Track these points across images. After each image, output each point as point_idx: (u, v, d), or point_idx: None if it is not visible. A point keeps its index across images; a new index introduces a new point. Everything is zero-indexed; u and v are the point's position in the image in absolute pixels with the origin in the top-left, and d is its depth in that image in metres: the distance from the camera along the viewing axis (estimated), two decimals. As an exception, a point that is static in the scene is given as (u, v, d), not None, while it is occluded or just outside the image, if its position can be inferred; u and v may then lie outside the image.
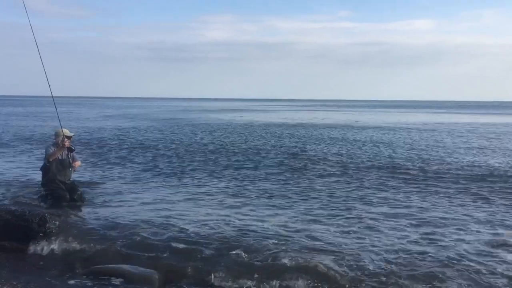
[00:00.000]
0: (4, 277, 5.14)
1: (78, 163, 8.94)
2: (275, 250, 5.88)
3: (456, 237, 6.69)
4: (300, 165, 13.47)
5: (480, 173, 12.07)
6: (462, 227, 7.15)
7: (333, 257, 5.74)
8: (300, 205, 8.56)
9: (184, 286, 5.14)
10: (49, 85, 8.80)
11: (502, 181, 11.10)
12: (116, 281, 5.12)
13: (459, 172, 12.31)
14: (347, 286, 5.05)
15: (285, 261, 5.48)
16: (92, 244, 6.21)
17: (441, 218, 7.68)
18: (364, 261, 5.65)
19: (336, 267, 5.42)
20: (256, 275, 5.19)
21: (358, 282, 5.10)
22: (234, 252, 5.84)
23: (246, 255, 5.72)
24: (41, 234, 6.49)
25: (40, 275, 5.31)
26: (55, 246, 6.18)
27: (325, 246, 6.18)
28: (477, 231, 6.98)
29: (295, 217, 7.68)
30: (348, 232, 6.84)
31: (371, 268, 5.46)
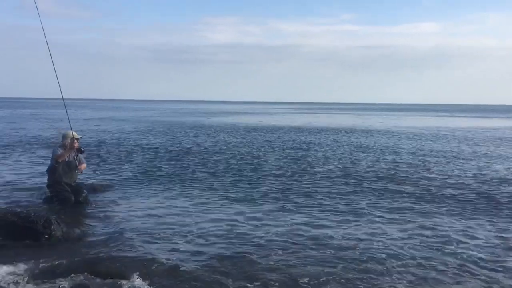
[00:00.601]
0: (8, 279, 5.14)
1: (84, 166, 8.97)
2: (277, 263, 5.80)
3: (461, 243, 6.66)
4: (303, 168, 13.46)
5: (487, 179, 12.03)
6: (467, 234, 7.12)
7: (342, 264, 5.74)
8: (304, 211, 8.52)
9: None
10: (60, 87, 8.83)
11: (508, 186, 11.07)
12: (121, 281, 5.10)
13: (465, 177, 12.28)
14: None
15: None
16: (96, 248, 6.21)
17: (446, 224, 7.66)
18: (369, 269, 5.63)
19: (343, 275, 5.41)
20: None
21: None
22: (230, 264, 5.72)
23: (243, 268, 5.60)
24: (46, 236, 6.51)
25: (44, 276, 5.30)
26: (59, 248, 6.17)
27: (330, 255, 6.12)
28: (484, 237, 6.95)
29: (299, 224, 7.60)
30: (352, 239, 6.81)
31: (376, 277, 5.44)
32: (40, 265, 5.51)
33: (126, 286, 5.04)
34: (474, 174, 12.77)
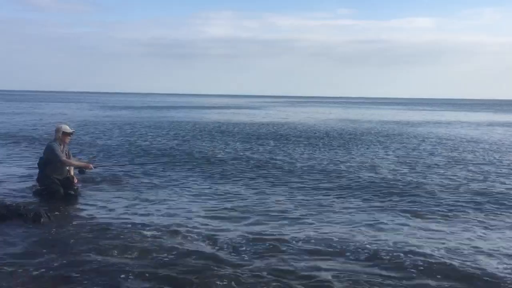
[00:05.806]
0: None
1: (75, 180, 8.90)
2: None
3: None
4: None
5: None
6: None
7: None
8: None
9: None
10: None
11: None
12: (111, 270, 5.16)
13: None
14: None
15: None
16: (85, 240, 6.26)
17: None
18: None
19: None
20: None
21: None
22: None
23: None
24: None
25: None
26: (49, 239, 6.22)
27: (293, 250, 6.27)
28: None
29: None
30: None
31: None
32: (29, 257, 5.58)
33: (116, 274, 5.09)
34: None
